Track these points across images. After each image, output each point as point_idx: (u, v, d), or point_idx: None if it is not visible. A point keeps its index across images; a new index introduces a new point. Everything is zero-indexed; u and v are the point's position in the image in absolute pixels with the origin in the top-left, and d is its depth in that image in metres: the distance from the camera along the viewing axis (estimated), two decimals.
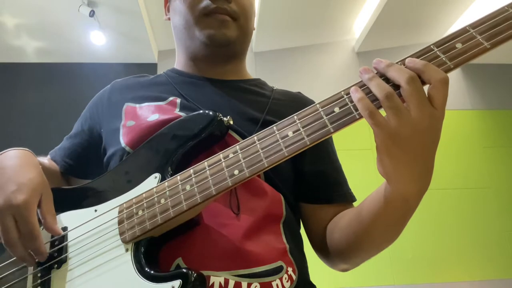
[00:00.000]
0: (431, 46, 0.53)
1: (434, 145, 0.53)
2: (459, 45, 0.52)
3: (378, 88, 0.51)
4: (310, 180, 0.81)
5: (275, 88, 0.92)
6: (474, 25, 0.52)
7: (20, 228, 0.64)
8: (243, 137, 0.74)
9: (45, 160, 0.89)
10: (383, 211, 0.61)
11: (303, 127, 0.56)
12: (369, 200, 0.65)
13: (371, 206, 0.64)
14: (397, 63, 0.53)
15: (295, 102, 0.88)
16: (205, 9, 0.82)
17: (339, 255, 0.75)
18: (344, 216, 0.75)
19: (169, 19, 0.94)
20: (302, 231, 0.82)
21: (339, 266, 0.79)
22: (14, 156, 0.73)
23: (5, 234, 0.64)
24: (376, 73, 0.53)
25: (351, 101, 0.54)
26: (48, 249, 0.69)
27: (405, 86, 0.49)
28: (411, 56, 0.53)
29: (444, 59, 0.52)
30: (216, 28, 0.82)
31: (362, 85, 0.54)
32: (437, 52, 0.52)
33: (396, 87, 0.51)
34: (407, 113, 0.50)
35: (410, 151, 0.51)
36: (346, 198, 0.81)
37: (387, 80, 0.52)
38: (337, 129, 0.54)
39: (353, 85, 0.55)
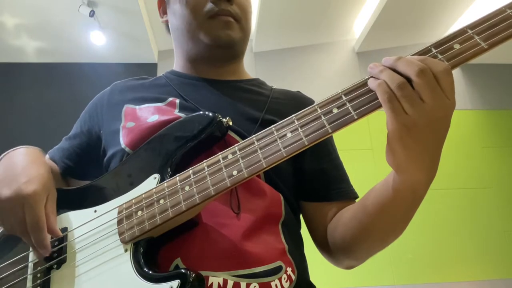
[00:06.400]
0: (429, 47, 0.53)
1: (445, 135, 0.53)
2: (457, 46, 0.52)
3: (390, 78, 0.50)
4: (311, 178, 0.81)
5: (274, 87, 0.93)
6: (471, 26, 0.52)
7: (26, 218, 0.65)
8: (243, 137, 0.74)
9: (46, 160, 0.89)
10: (391, 202, 0.61)
11: (301, 128, 0.56)
12: (375, 191, 0.65)
13: (377, 197, 0.64)
14: None
15: (294, 101, 0.88)
16: (209, 12, 0.82)
17: (343, 250, 0.75)
18: (347, 211, 0.75)
19: (166, 21, 0.94)
20: (303, 231, 0.82)
21: (344, 263, 0.79)
22: (24, 152, 0.75)
23: (15, 225, 0.66)
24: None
25: (349, 102, 0.54)
26: None
27: (415, 79, 0.49)
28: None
29: (442, 59, 0.52)
30: (221, 29, 0.83)
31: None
32: (435, 52, 0.53)
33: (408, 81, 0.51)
34: (421, 103, 0.50)
35: (423, 140, 0.52)
36: (348, 195, 0.81)
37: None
38: (335, 129, 0.54)
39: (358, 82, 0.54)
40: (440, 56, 0.52)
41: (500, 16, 0.51)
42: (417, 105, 0.50)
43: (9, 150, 0.77)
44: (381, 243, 0.70)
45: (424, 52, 0.53)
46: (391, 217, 0.64)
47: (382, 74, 0.52)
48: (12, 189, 0.66)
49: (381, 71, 0.52)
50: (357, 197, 0.81)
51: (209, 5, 0.82)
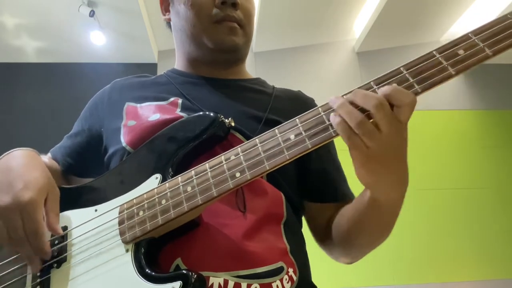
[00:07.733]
0: (433, 52, 0.53)
1: (405, 152, 0.57)
2: (461, 52, 0.52)
3: (350, 116, 0.53)
4: (314, 179, 0.82)
5: (275, 86, 0.93)
6: (476, 32, 0.52)
7: (25, 226, 0.64)
8: (247, 136, 0.74)
9: (46, 159, 0.89)
10: (369, 216, 0.67)
11: (305, 131, 0.56)
12: (357, 203, 0.70)
13: (357, 211, 0.70)
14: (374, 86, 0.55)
15: (296, 101, 0.89)
16: (215, 17, 0.82)
17: (340, 248, 0.79)
18: (344, 212, 0.77)
19: (168, 19, 0.94)
20: (304, 230, 0.82)
21: (341, 260, 0.83)
22: (19, 156, 0.74)
23: (13, 232, 0.64)
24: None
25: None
26: None
27: (374, 111, 0.52)
28: (413, 61, 0.54)
29: (446, 65, 0.52)
30: (226, 35, 0.83)
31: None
32: (439, 58, 0.53)
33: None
34: (379, 134, 0.53)
35: (385, 163, 0.56)
36: (349, 197, 0.83)
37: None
38: (338, 133, 0.55)
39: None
40: (445, 63, 0.52)
41: (504, 23, 0.51)
42: (375, 138, 0.53)
43: (4, 154, 0.75)
44: (371, 245, 0.75)
45: (428, 57, 0.53)
46: (373, 227, 0.70)
47: (342, 110, 0.54)
48: (9, 196, 0.65)
49: (339, 107, 0.54)
50: (353, 198, 0.83)
51: (215, 10, 0.82)
